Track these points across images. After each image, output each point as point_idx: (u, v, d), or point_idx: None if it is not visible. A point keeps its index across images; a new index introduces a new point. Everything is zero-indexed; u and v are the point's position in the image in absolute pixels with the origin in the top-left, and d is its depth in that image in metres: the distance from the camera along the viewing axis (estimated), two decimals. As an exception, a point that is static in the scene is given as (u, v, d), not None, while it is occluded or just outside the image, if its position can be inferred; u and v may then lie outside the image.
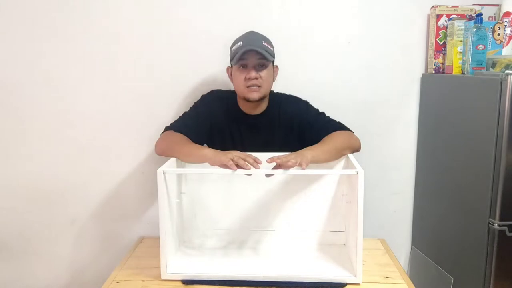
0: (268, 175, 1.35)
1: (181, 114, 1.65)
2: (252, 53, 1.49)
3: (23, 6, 1.78)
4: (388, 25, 1.83)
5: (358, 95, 1.88)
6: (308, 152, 1.37)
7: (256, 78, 1.51)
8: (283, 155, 1.34)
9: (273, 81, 1.60)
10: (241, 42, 1.50)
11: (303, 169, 1.30)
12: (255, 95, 1.53)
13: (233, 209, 1.56)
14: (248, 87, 1.52)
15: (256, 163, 1.31)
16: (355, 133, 1.59)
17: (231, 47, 1.55)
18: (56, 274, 1.99)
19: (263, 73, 1.52)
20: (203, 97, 1.68)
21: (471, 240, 1.53)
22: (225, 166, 1.31)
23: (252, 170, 1.30)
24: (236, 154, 1.33)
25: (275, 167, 1.33)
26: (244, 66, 1.52)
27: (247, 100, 1.54)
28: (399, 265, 1.50)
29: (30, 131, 1.87)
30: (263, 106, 1.62)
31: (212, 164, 1.35)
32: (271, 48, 1.54)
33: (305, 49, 1.84)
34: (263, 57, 1.49)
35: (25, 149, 1.89)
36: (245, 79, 1.51)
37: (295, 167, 1.30)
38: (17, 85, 1.84)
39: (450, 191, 1.69)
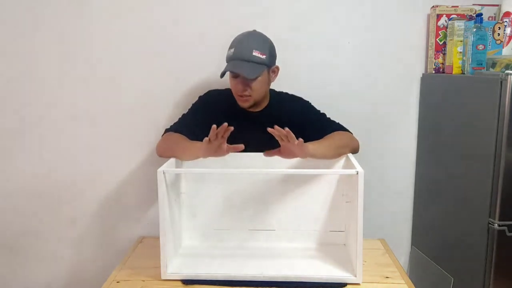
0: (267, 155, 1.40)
1: (180, 116, 1.64)
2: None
3: (25, 6, 1.78)
4: (388, 25, 1.83)
5: (358, 95, 1.88)
6: (309, 145, 1.39)
7: (245, 90, 1.53)
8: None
9: (272, 81, 1.61)
10: (233, 50, 1.51)
11: (301, 154, 1.34)
12: (245, 104, 1.57)
13: (233, 209, 1.56)
14: (238, 96, 1.56)
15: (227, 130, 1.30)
16: (354, 134, 1.59)
17: (228, 49, 1.55)
18: (56, 274, 1.99)
19: (253, 84, 1.53)
20: (200, 98, 1.68)
21: (471, 240, 1.53)
22: (213, 152, 1.33)
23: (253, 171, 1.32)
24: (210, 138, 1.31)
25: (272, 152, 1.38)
26: (235, 76, 1.54)
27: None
28: (399, 265, 1.50)
29: (30, 131, 1.88)
30: (264, 103, 1.63)
31: (203, 155, 1.37)
32: (262, 57, 1.50)
33: (305, 49, 1.84)
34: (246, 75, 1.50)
35: (25, 150, 1.89)
36: (236, 88, 1.55)
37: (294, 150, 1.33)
38: (17, 85, 1.84)
39: (450, 191, 1.69)
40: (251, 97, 1.55)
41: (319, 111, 1.65)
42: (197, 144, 1.39)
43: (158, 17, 1.80)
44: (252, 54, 1.49)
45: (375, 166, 1.89)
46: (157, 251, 1.35)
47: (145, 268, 1.46)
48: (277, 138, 1.33)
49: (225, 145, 1.35)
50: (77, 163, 1.90)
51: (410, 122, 1.92)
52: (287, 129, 1.29)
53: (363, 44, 1.84)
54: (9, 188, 1.92)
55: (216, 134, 1.29)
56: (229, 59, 1.52)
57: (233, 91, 1.58)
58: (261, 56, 1.51)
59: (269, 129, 1.30)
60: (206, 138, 1.30)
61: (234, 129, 1.62)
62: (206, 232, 1.58)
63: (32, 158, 1.89)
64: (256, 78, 1.52)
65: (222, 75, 1.52)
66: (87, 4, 1.79)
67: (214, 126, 1.27)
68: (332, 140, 1.50)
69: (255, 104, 1.59)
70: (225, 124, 1.28)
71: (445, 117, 1.71)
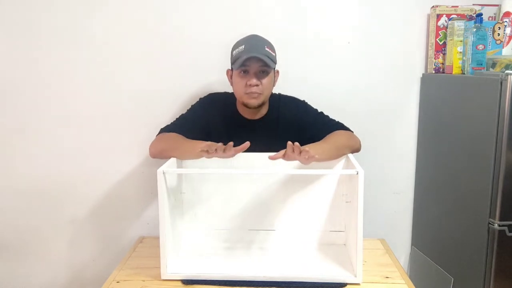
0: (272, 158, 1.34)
1: (178, 116, 1.63)
2: (254, 60, 1.46)
3: (24, 8, 1.78)
4: (388, 25, 1.83)
5: (358, 95, 1.88)
6: (311, 150, 1.35)
7: (257, 85, 1.48)
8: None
9: (273, 86, 1.58)
10: (243, 46, 1.47)
11: (313, 156, 1.29)
12: (254, 102, 1.51)
13: (233, 209, 1.56)
14: (247, 93, 1.50)
15: (227, 151, 1.29)
16: (355, 133, 1.59)
17: (233, 50, 1.53)
18: (56, 274, 1.99)
19: (264, 80, 1.50)
20: (201, 100, 1.66)
21: (471, 240, 1.54)
22: (205, 153, 1.31)
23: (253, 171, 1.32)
24: (209, 143, 1.32)
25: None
26: (245, 72, 1.49)
27: (246, 106, 1.53)
28: (399, 265, 1.50)
29: (30, 132, 1.88)
30: (263, 111, 1.61)
31: (195, 157, 1.36)
32: (273, 54, 1.51)
33: (305, 49, 1.84)
34: (265, 64, 1.46)
35: (25, 150, 1.89)
36: (246, 85, 1.49)
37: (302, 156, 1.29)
38: (17, 85, 1.84)
39: (450, 191, 1.69)
40: (261, 95, 1.50)
41: (316, 110, 1.64)
42: (202, 143, 1.37)
43: (158, 18, 1.80)
44: (265, 49, 1.48)
45: (375, 166, 1.89)
46: (157, 251, 1.35)
47: (145, 268, 1.46)
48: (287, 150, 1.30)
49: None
50: (77, 163, 1.90)
51: (410, 122, 1.92)
52: (297, 144, 1.28)
53: (363, 44, 1.84)
54: (9, 188, 1.92)
55: (216, 150, 1.28)
56: (241, 54, 1.45)
57: (241, 90, 1.51)
58: (272, 52, 1.51)
59: (270, 157, 1.30)
60: (206, 146, 1.30)
61: (233, 137, 1.59)
62: (206, 232, 1.58)
63: (32, 158, 1.89)
64: (270, 73, 1.50)
65: (238, 65, 1.46)
66: (87, 4, 1.79)
67: (231, 143, 1.28)
68: (332, 142, 1.49)
69: (261, 104, 1.54)
70: (231, 143, 1.29)
71: (445, 117, 1.71)
